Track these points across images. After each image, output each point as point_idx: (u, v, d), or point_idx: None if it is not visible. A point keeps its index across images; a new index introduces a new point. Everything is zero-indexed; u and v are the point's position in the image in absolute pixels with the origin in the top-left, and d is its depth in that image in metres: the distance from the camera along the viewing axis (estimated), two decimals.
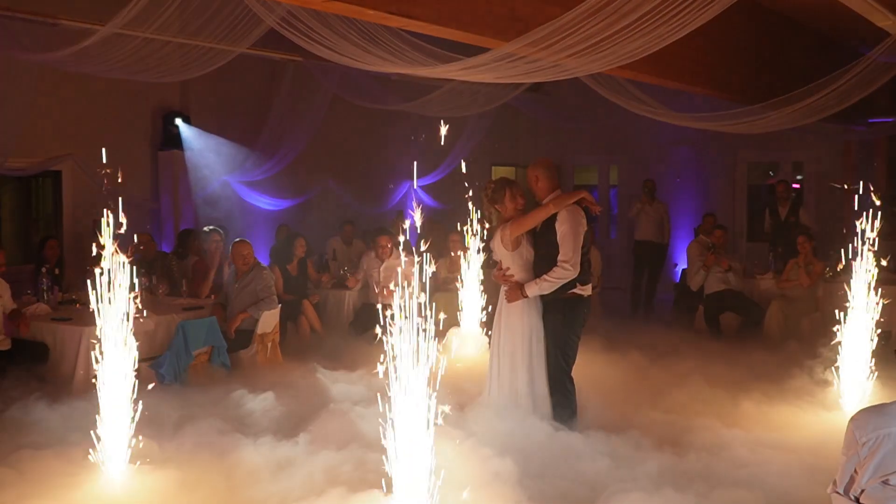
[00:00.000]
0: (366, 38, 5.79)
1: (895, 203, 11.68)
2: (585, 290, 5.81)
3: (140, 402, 4.86)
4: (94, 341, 4.77)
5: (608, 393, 6.50)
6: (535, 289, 5.74)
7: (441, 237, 10.24)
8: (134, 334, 4.89)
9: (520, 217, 5.85)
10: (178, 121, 10.43)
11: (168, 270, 8.80)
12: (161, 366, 6.82)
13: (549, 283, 5.69)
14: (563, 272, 5.64)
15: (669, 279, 12.73)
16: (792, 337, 8.88)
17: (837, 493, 2.94)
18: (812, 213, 11.81)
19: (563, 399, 5.76)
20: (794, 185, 13.35)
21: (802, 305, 9.30)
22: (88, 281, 4.73)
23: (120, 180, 5.10)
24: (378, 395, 4.07)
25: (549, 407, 5.75)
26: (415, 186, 13.36)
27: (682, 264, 12.05)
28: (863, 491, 2.78)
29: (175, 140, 10.41)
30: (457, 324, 8.33)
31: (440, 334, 7.78)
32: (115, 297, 4.71)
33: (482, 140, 13.46)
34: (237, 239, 8.02)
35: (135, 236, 8.97)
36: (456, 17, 5.16)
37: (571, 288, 5.72)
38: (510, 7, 5.45)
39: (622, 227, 14.82)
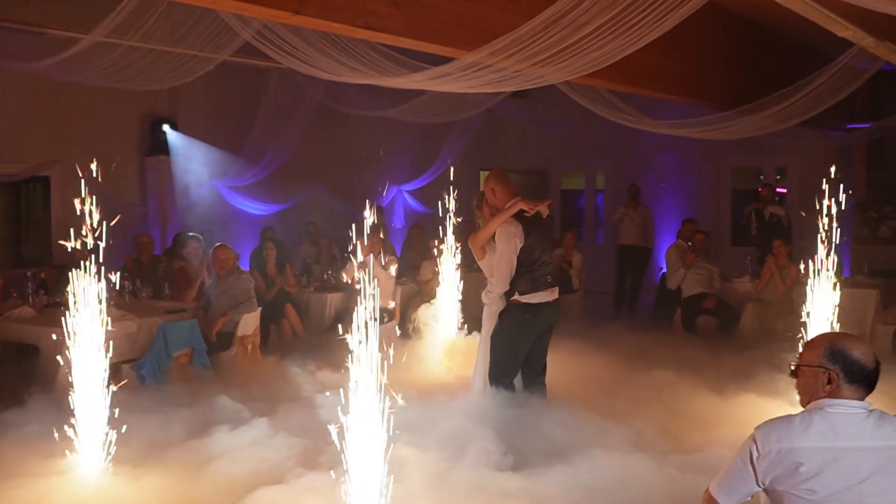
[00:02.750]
0: (339, 48, 5.97)
1: (872, 208, 11.89)
2: (531, 299, 6.02)
3: (114, 401, 5.07)
4: (67, 341, 4.98)
5: (574, 387, 6.72)
6: (483, 297, 6.19)
7: (424, 241, 10.43)
8: (116, 336, 5.09)
9: (476, 231, 6.22)
10: (166, 127, 10.62)
11: (156, 273, 8.97)
12: (142, 367, 6.99)
13: (489, 295, 6.15)
14: (491, 286, 6.11)
15: (653, 283, 12.88)
16: (766, 338, 9.05)
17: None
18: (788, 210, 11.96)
19: (493, 389, 6.05)
20: (781, 190, 13.52)
21: (777, 308, 9.46)
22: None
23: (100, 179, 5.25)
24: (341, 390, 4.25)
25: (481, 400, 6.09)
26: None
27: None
28: None
29: (162, 146, 10.62)
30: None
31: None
32: (87, 299, 4.89)
33: (470, 145, 13.62)
34: (217, 244, 8.20)
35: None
36: (423, 28, 5.30)
37: (512, 296, 6.03)
38: (479, 18, 5.60)
39: (609, 231, 14.99)
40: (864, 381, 2.81)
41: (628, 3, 4.96)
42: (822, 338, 2.94)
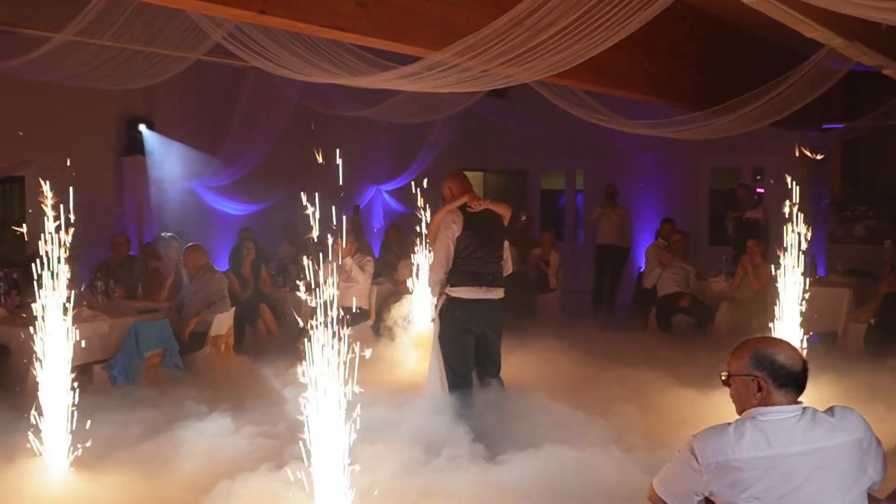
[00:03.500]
0: (309, 49, 5.98)
1: (847, 208, 11.99)
2: (460, 293, 6.06)
3: (83, 402, 5.08)
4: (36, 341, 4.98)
5: (546, 385, 6.77)
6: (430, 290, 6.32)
7: (402, 241, 10.45)
8: (87, 336, 5.10)
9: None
10: (142, 127, 10.60)
11: (130, 273, 8.95)
12: (113, 367, 6.98)
13: (428, 283, 6.34)
14: (429, 274, 6.26)
15: (631, 282, 12.94)
16: (740, 337, 9.08)
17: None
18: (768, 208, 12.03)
19: (453, 393, 6.10)
20: (759, 190, 13.60)
21: (751, 307, 9.51)
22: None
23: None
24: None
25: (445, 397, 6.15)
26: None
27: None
28: None
29: (139, 146, 10.59)
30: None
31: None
32: (51, 299, 4.89)
33: (449, 146, 13.65)
34: (189, 244, 8.22)
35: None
36: (389, 28, 5.32)
37: (444, 288, 6.12)
38: (445, 18, 5.62)
39: (589, 231, 15.05)
40: (792, 384, 2.82)
41: (594, 3, 4.98)
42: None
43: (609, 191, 12.77)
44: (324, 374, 4.07)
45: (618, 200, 12.82)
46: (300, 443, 4.19)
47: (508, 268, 6.35)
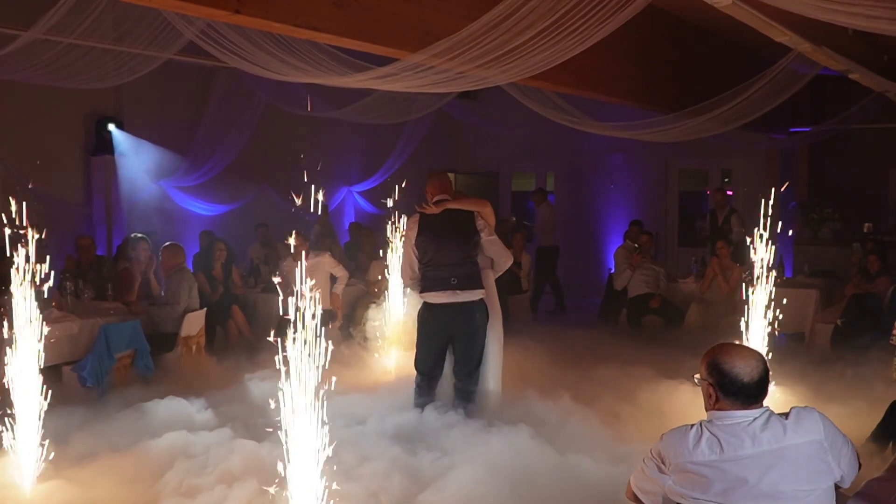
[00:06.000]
0: (283, 48, 5.95)
1: (813, 210, 12.16)
2: (426, 297, 6.15)
3: (52, 404, 5.01)
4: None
5: (513, 383, 6.81)
6: None
7: (372, 243, 10.44)
8: (57, 337, 5.03)
9: None
10: (111, 126, 10.48)
11: (99, 274, 8.85)
12: (83, 369, 6.89)
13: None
14: None
15: (600, 283, 13.02)
16: (711, 336, 9.18)
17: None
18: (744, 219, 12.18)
19: (415, 389, 6.26)
20: (728, 193, 13.76)
21: (720, 308, 9.62)
22: None
23: (30, 185, 5.20)
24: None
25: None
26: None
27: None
28: None
29: (108, 145, 10.47)
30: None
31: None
32: (22, 300, 4.83)
33: (421, 146, 13.65)
34: (167, 243, 8.20)
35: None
36: (365, 29, 5.32)
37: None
38: (421, 20, 5.63)
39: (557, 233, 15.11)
40: (738, 394, 2.87)
41: (570, 7, 5.02)
42: (711, 349, 3.00)
43: (537, 195, 13.17)
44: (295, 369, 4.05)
45: (547, 201, 13.16)
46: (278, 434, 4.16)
47: (502, 262, 6.32)
